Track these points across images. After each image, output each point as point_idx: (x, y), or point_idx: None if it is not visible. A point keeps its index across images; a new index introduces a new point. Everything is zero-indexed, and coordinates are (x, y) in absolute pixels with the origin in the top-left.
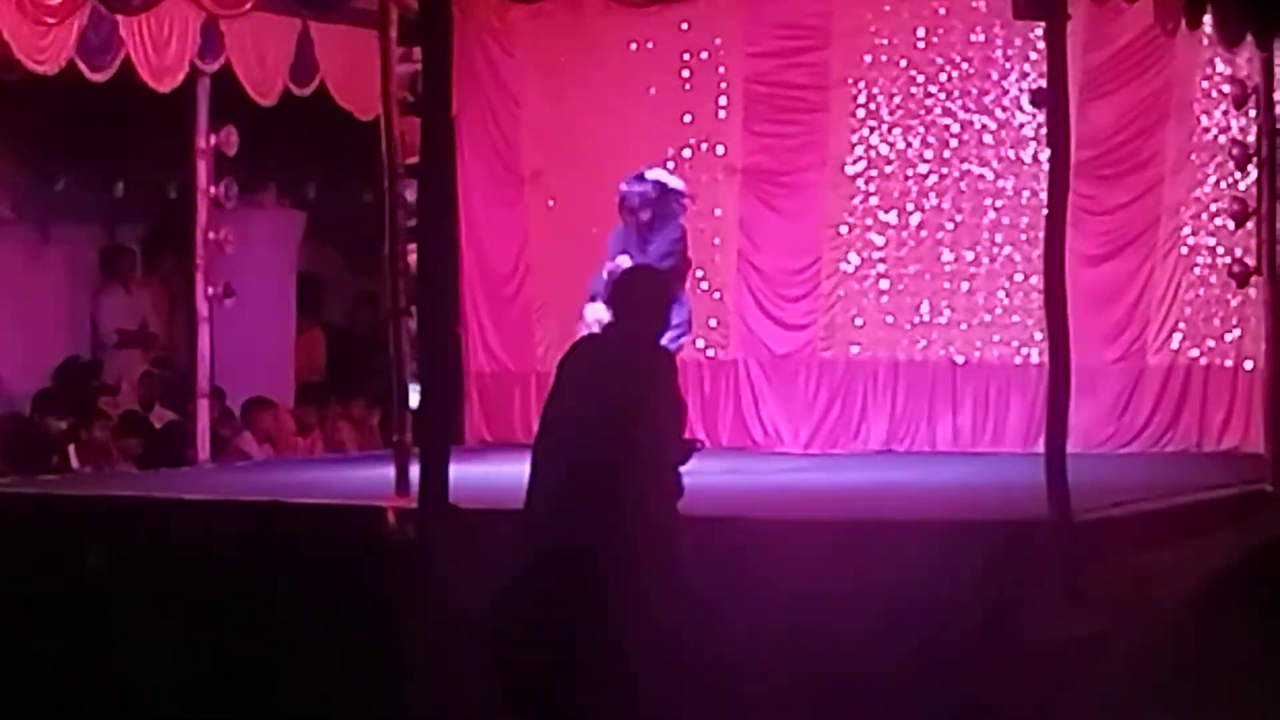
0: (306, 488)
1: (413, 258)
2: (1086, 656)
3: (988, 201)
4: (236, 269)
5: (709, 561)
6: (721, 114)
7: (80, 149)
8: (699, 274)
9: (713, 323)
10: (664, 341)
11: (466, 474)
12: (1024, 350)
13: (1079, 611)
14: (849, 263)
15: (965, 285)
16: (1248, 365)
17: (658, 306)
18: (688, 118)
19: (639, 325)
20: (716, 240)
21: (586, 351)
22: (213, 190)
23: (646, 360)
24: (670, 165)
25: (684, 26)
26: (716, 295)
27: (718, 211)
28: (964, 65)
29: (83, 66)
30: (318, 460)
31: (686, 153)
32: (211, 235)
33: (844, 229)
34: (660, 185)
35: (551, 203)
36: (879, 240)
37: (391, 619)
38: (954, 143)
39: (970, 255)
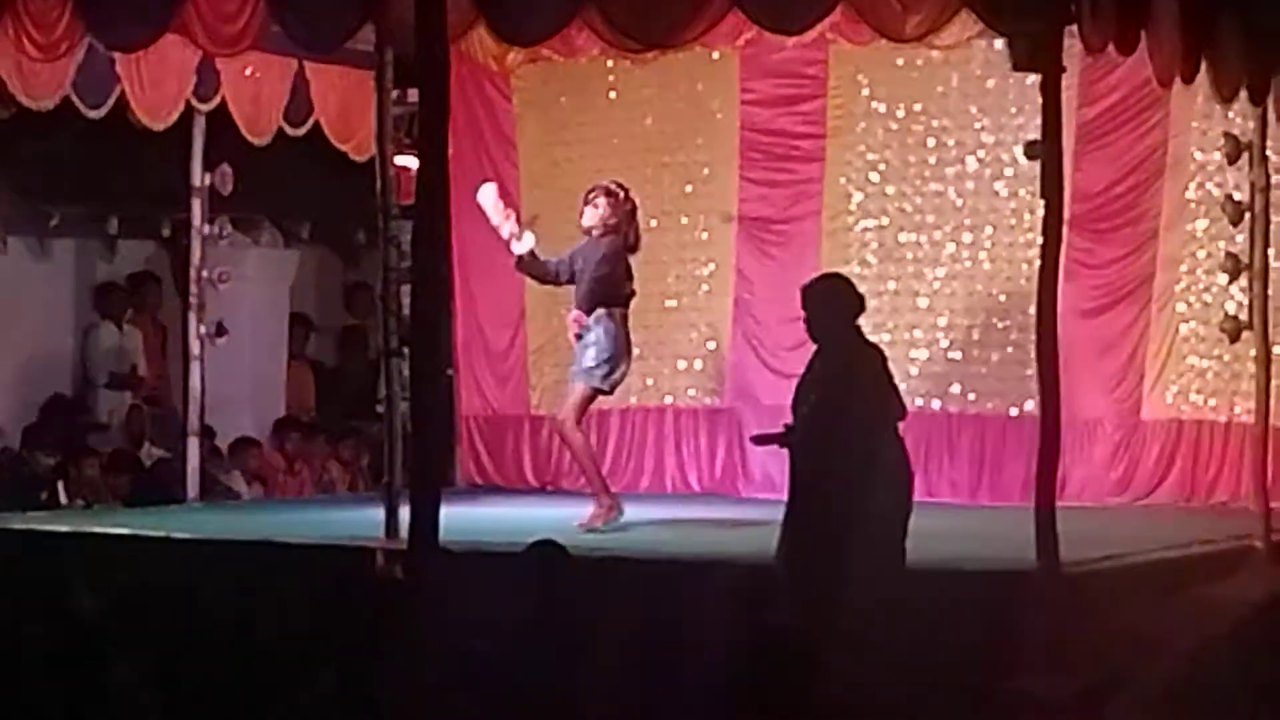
0: (295, 527)
1: (406, 299)
2: (1071, 712)
3: (983, 254)
4: (229, 307)
5: (699, 602)
6: (717, 162)
7: (74, 185)
8: (696, 323)
9: (709, 370)
10: (585, 377)
11: (456, 516)
12: (1019, 402)
13: (1066, 665)
14: None
15: (960, 337)
16: (1239, 420)
17: (827, 308)
18: (684, 165)
19: (822, 333)
20: (710, 288)
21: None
22: (207, 228)
23: (831, 362)
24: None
25: (681, 74)
26: (711, 344)
27: (712, 262)
28: (960, 115)
29: (78, 103)
30: (307, 500)
31: (682, 200)
32: (205, 274)
33: None
34: (631, 202)
35: (549, 252)
36: (876, 289)
37: (378, 660)
38: (952, 193)
39: (965, 306)
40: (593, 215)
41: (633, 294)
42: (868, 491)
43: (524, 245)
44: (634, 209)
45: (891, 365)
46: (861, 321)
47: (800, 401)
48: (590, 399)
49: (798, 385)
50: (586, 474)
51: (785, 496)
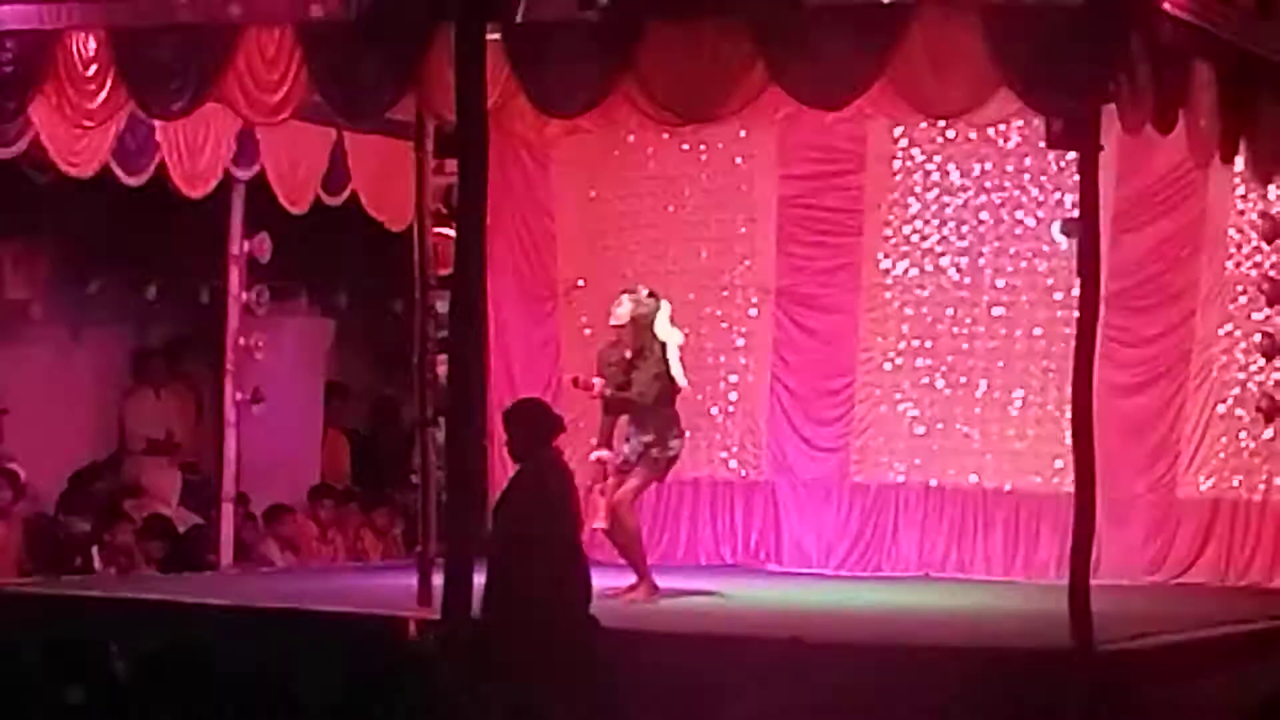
0: (328, 596)
1: (442, 369)
2: None
3: (1019, 331)
4: (265, 375)
5: (733, 679)
6: (755, 235)
7: (113, 252)
8: (733, 396)
9: (745, 444)
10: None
11: None
12: (1055, 479)
13: None
14: (882, 387)
15: (997, 412)
16: (1275, 500)
17: (527, 429)
18: (722, 239)
19: (523, 452)
20: (748, 361)
21: None
22: (244, 296)
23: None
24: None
25: (720, 147)
26: (747, 418)
27: (749, 335)
28: (997, 192)
29: (118, 170)
30: (340, 568)
31: (720, 274)
32: (242, 341)
33: (877, 353)
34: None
35: (586, 324)
36: (912, 365)
37: None
38: (989, 271)
39: (1002, 382)
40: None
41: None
42: (555, 588)
43: None
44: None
45: (928, 438)
46: (903, 396)
47: (500, 510)
48: (648, 484)
49: (500, 495)
50: (631, 556)
51: (801, 567)
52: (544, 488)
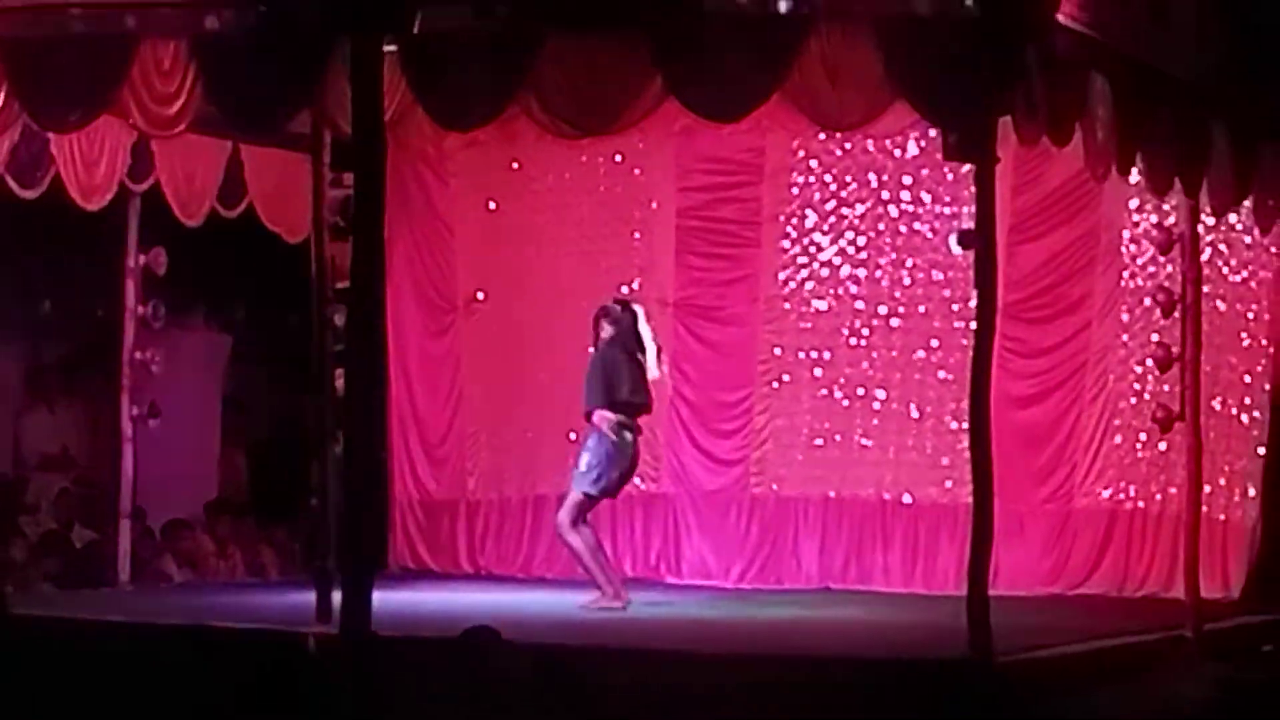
0: (226, 611)
1: (340, 382)
2: None
3: (917, 342)
4: (162, 390)
5: (634, 695)
6: (654, 247)
7: (7, 266)
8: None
9: (645, 456)
10: (577, 482)
11: (388, 601)
12: (953, 490)
13: None
14: (780, 399)
15: (896, 424)
16: (1171, 510)
17: None
18: (620, 251)
19: None
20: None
21: None
22: (140, 310)
23: None
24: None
25: (617, 159)
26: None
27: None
28: (895, 204)
29: (12, 184)
30: (239, 584)
31: (618, 286)
32: (138, 355)
33: (775, 365)
34: (630, 314)
35: (485, 336)
36: (811, 376)
37: None
38: (886, 282)
39: (900, 394)
40: (598, 336)
41: (634, 404)
42: None
43: None
44: (633, 319)
45: (827, 449)
46: (802, 408)
47: None
48: (584, 504)
49: None
50: (589, 572)
51: (702, 579)
52: None
